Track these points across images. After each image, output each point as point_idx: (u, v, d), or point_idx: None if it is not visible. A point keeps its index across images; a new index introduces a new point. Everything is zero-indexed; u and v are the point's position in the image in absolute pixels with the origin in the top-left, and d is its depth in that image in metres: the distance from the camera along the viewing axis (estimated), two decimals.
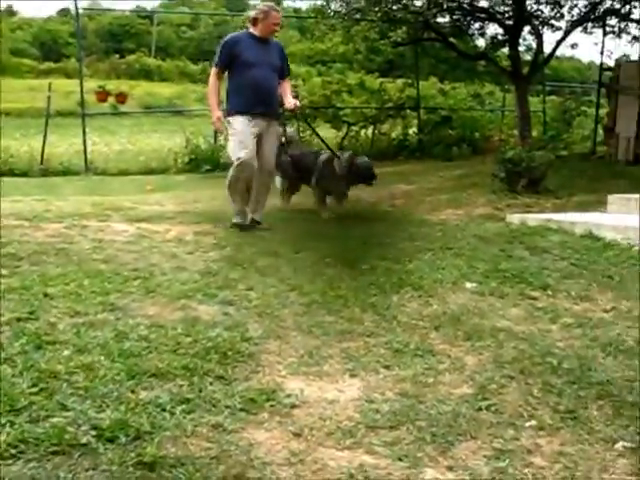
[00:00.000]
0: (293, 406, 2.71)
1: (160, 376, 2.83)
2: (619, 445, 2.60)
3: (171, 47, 78.84)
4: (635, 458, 2.52)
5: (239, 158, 6.11)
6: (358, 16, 12.94)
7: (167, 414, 2.51)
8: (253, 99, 6.24)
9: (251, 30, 6.41)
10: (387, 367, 3.19)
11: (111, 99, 14.17)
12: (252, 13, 6.54)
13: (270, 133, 6.47)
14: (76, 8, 14.13)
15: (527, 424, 2.72)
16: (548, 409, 2.86)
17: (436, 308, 4.07)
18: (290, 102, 6.58)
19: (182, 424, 2.46)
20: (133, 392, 2.67)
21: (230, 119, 6.32)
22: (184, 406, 2.59)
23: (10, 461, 2.17)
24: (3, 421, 2.37)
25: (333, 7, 13.20)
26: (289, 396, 2.79)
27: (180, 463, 2.22)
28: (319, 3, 13.53)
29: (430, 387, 2.99)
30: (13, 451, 2.21)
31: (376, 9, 12.10)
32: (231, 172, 6.23)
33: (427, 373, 3.14)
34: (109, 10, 71.37)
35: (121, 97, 13.99)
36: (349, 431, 2.56)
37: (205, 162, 12.49)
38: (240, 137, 6.21)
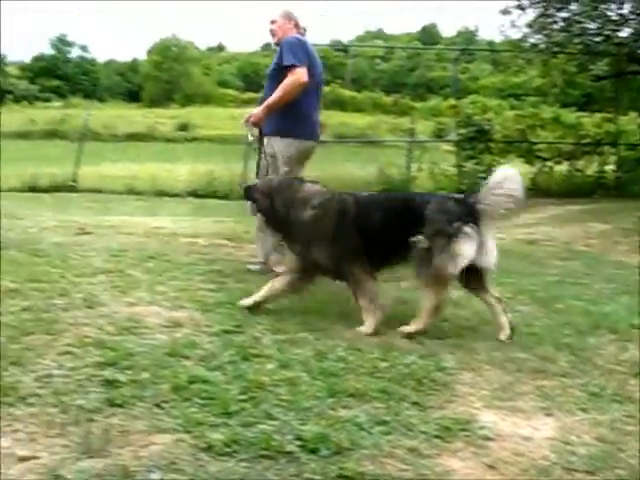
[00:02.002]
0: (487, 438, 2.71)
1: (358, 396, 2.93)
2: None
3: (365, 79, 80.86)
4: None
5: None
6: (557, 49, 12.69)
7: (365, 433, 2.60)
8: None
9: None
10: (583, 410, 3.11)
11: None
12: None
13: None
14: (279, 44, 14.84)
15: None
16: None
17: (634, 353, 3.89)
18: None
19: (379, 444, 2.53)
20: (333, 409, 2.79)
21: None
22: (381, 427, 2.66)
23: (225, 458, 2.37)
24: (218, 422, 2.58)
25: (531, 41, 13.05)
26: (483, 428, 2.79)
27: None
28: (515, 37, 13.40)
29: (631, 436, 2.88)
30: (227, 449, 2.40)
31: (576, 41, 11.81)
32: None
33: (626, 420, 3.02)
34: None
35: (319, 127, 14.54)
36: (544, 470, 2.52)
37: (398, 192, 12.70)
38: None
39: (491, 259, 4.04)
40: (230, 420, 2.60)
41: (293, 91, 5.22)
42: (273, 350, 3.46)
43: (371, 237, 4.14)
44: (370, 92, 66.02)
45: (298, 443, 2.47)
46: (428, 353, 3.62)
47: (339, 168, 18.82)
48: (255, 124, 5.43)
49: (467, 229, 3.98)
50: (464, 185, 13.78)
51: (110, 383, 2.91)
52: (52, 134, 36.49)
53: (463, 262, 3.94)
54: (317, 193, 4.34)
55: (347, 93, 60.27)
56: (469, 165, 14.07)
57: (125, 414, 2.64)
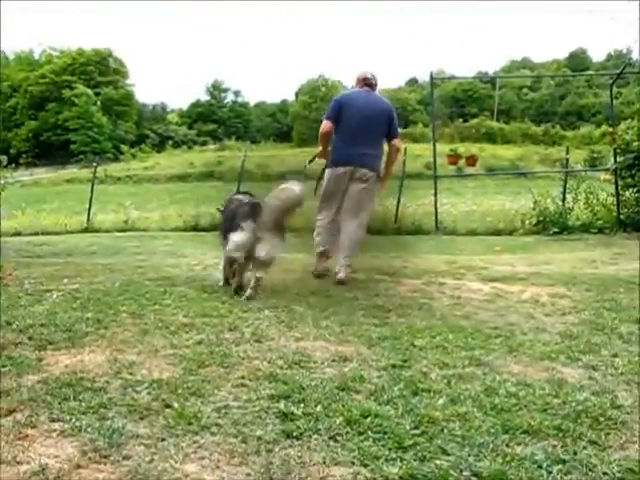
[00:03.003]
0: None
1: (533, 433, 2.87)
2: None
3: (513, 109, 79.56)
4: None
5: None
6: None
7: (544, 472, 2.53)
8: None
9: None
10: None
11: (461, 162, 14.70)
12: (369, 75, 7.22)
13: None
14: (431, 78, 14.95)
15: None
16: None
17: None
18: None
19: None
20: (508, 446, 2.74)
21: None
22: (560, 466, 2.58)
23: None
24: (393, 456, 2.60)
25: None
26: None
27: None
28: None
29: None
30: None
31: None
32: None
33: None
34: (454, 77, 74.30)
35: (471, 160, 14.44)
36: None
37: (553, 224, 12.35)
38: None
39: (261, 251, 5.69)
40: (405, 454, 2.62)
41: (320, 138, 7.03)
42: (442, 385, 3.45)
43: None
44: (519, 123, 64.83)
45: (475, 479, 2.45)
46: (601, 389, 3.48)
47: (491, 200, 18.63)
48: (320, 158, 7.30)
49: (244, 224, 5.65)
50: (623, 215, 13.20)
51: (285, 415, 3.00)
52: (209, 175, 38.31)
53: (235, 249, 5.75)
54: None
55: (495, 125, 59.53)
56: (628, 194, 13.45)
57: (301, 446, 2.72)
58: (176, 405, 3.09)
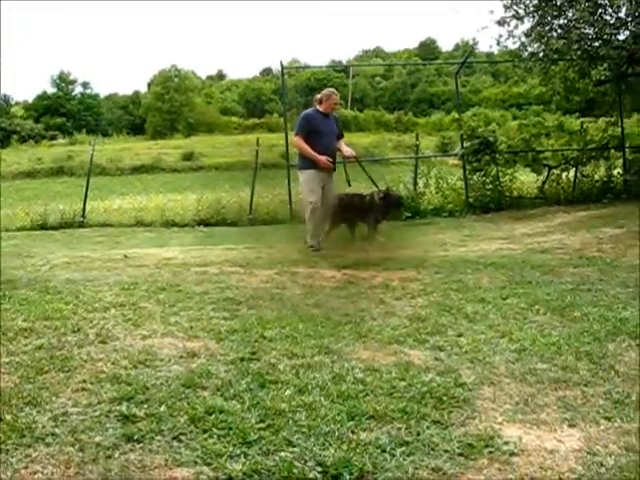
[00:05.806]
0: (512, 454, 2.65)
1: (378, 418, 2.89)
2: None
3: (366, 98, 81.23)
4: None
5: (311, 202, 8.23)
6: (556, 56, 12.70)
7: (387, 455, 2.56)
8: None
9: (318, 107, 8.43)
10: (608, 419, 3.04)
11: None
12: (318, 95, 8.56)
13: (331, 182, 8.59)
14: (282, 68, 15.00)
15: None
16: None
17: None
18: (348, 151, 8.66)
19: (402, 466, 2.49)
20: (353, 432, 2.75)
21: (302, 172, 8.35)
22: (403, 448, 2.62)
23: None
24: (237, 452, 2.55)
25: (530, 50, 13.04)
26: (507, 443, 2.73)
27: None
28: (514, 47, 13.39)
29: None
30: None
31: (575, 47, 11.80)
32: (308, 211, 8.31)
33: None
34: (307, 67, 74.82)
35: None
36: None
37: (405, 209, 12.67)
38: (311, 186, 8.25)
39: None
40: (249, 450, 2.57)
41: None
42: (290, 375, 3.43)
43: None
44: (373, 110, 66.32)
45: (319, 469, 2.44)
46: (446, 369, 3.58)
47: (346, 188, 18.90)
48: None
49: None
50: (471, 198, 13.76)
51: (127, 418, 2.89)
52: (59, 171, 36.86)
53: None
54: None
55: (350, 113, 60.51)
56: (475, 178, 14.04)
57: (143, 449, 2.61)
58: (8, 417, 2.90)
